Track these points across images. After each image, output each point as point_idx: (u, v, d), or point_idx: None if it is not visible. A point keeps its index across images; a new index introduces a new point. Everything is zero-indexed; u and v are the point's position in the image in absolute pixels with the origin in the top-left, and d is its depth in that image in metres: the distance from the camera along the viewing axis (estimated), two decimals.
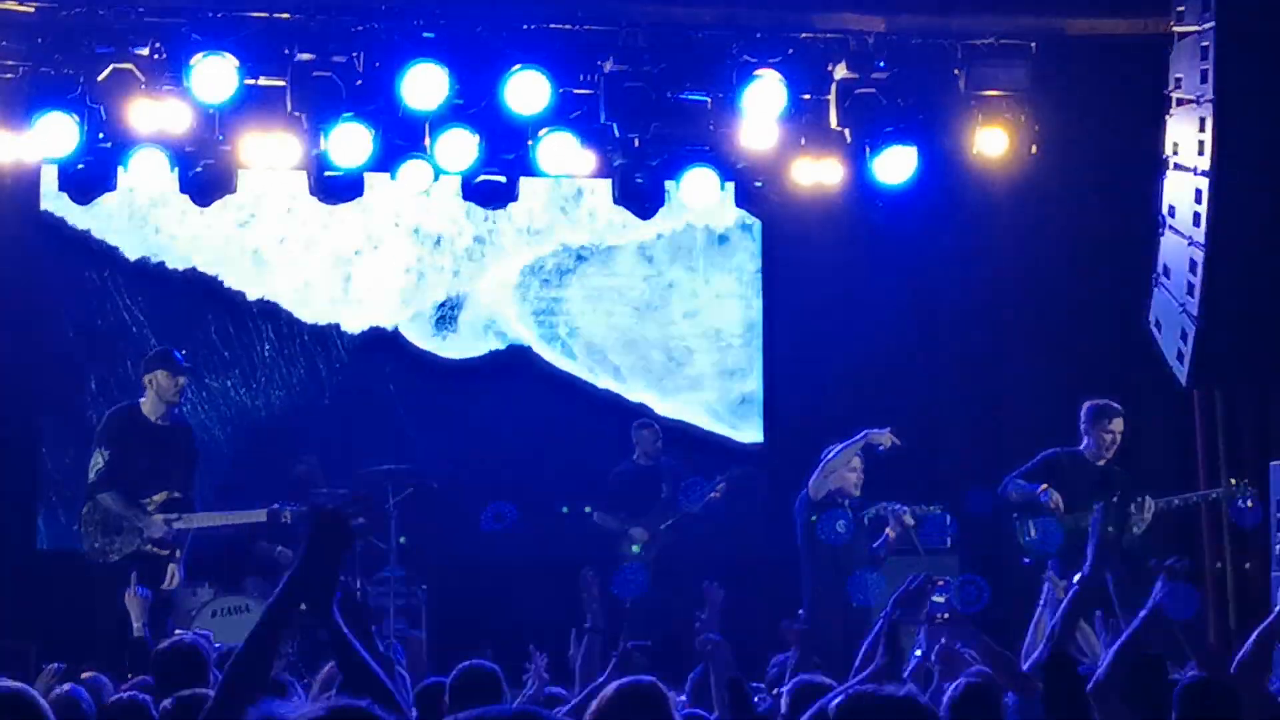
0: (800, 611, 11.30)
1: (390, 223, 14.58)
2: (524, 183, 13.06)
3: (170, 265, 14.26)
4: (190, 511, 10.98)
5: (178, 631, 8.83)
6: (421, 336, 14.57)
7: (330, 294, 14.53)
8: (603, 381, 14.88)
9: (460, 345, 14.71)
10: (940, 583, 7.40)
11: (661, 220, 14.16)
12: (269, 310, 14.43)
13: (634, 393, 14.88)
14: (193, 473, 11.23)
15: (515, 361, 14.81)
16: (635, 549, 13.25)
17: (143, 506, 10.82)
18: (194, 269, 14.30)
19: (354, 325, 14.56)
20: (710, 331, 15.04)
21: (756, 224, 14.85)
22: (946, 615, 7.31)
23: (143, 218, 14.19)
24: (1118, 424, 11.06)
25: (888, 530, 11.67)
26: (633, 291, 14.98)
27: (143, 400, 11.00)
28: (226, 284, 14.35)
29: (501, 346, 14.76)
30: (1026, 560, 11.09)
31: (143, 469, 10.85)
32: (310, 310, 14.49)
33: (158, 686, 6.98)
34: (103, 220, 14.08)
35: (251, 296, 14.39)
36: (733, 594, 9.05)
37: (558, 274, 14.90)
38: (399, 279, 14.64)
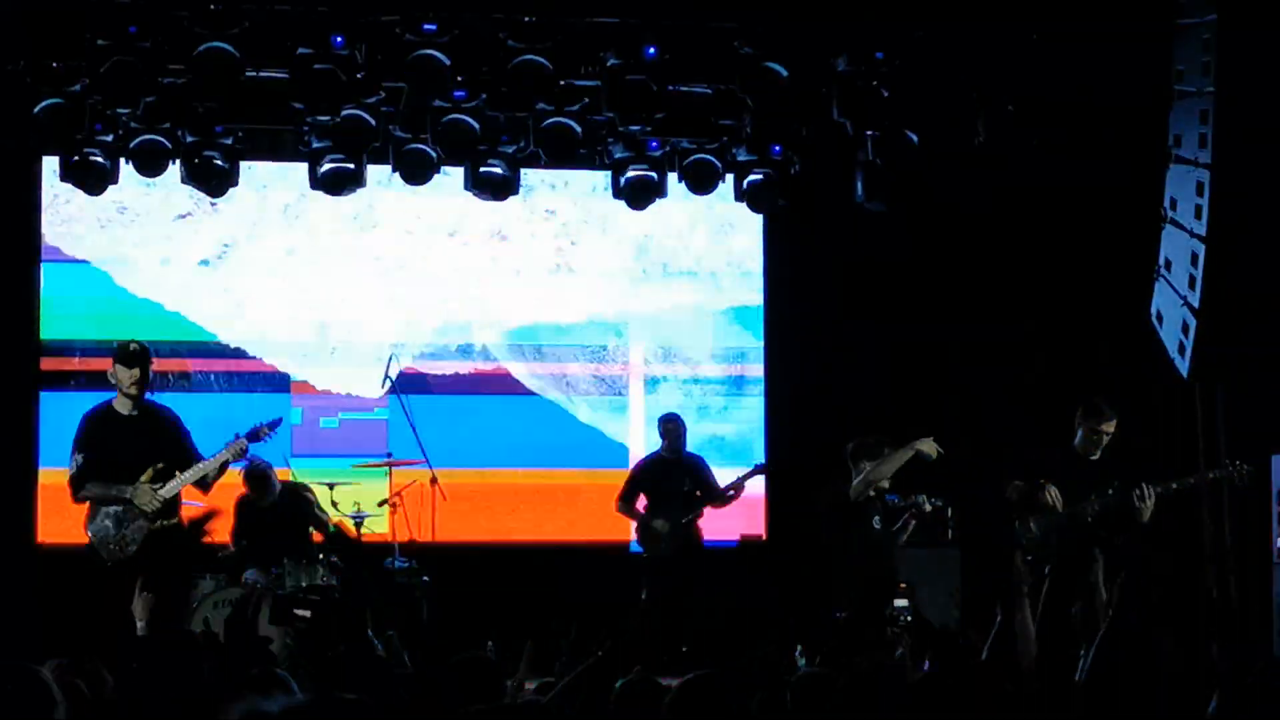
0: (838, 614, 11.29)
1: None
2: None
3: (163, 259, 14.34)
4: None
5: None
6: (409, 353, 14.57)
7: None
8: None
9: (443, 361, 14.77)
10: (903, 585, 7.51)
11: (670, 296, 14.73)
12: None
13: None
14: (183, 448, 11.09)
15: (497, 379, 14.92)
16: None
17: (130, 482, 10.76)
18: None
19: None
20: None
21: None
22: (909, 618, 7.37)
23: (138, 209, 14.24)
24: (1109, 426, 11.02)
25: (908, 516, 11.74)
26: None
27: (114, 398, 10.96)
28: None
29: (485, 365, 14.83)
30: (1029, 558, 11.08)
31: (124, 463, 10.77)
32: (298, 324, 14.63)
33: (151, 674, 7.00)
34: (104, 212, 14.14)
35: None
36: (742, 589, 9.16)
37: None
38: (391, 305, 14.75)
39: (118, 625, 10.17)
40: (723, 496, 13.47)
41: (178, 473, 10.75)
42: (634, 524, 13.61)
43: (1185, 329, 11.09)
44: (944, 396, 14.24)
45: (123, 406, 10.82)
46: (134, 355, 10.80)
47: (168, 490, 10.71)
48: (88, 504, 10.72)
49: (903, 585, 11.43)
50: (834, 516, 11.56)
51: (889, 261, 14.38)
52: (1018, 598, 9.63)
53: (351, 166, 12.72)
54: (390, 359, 13.45)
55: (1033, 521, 10.99)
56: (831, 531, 11.58)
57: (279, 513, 12.83)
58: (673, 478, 13.47)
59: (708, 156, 12.96)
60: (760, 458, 14.63)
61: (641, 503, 13.58)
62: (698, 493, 13.44)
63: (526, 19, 11.83)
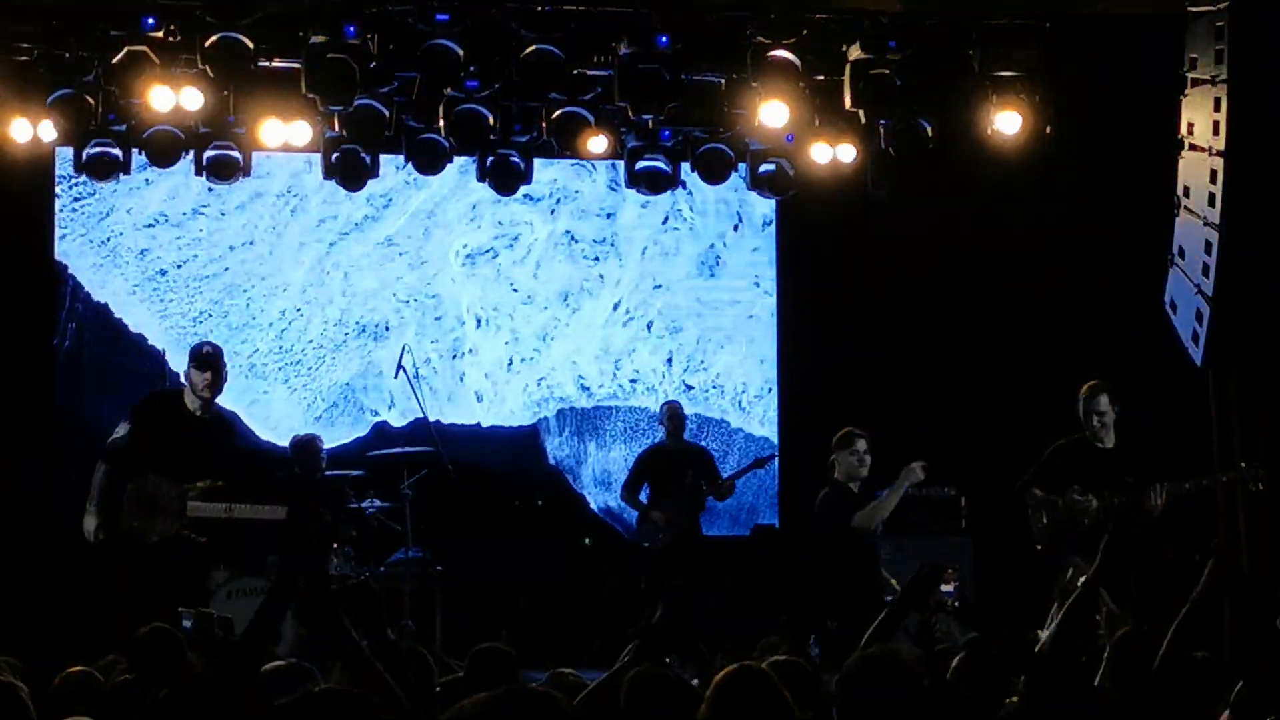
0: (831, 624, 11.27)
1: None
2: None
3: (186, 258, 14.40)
4: (236, 501, 10.98)
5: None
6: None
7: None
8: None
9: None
10: (952, 571, 7.44)
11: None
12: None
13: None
14: (238, 464, 11.21)
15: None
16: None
17: (183, 490, 10.81)
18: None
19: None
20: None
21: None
22: (957, 604, 7.32)
23: (155, 205, 14.30)
24: (1101, 401, 11.01)
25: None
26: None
27: (185, 391, 11.06)
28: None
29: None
30: (1039, 546, 11.08)
31: (179, 454, 10.83)
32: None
33: (135, 672, 7.01)
34: (115, 204, 14.19)
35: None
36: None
37: None
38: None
39: (126, 609, 10.18)
40: (720, 489, 13.48)
41: (231, 505, 10.80)
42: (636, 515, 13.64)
43: (1199, 317, 11.08)
44: (956, 380, 14.22)
45: (192, 404, 10.93)
46: (207, 359, 10.93)
47: (197, 512, 10.74)
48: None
49: (951, 570, 11.36)
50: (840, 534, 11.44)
51: (900, 248, 14.37)
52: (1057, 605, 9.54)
53: (364, 158, 12.73)
54: (403, 350, 13.47)
55: (1045, 513, 10.97)
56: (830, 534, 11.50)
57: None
58: (675, 468, 13.48)
59: (720, 145, 12.95)
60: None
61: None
62: (701, 483, 13.44)
63: (539, 8, 11.81)
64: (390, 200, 14.63)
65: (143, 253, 14.29)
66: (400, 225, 14.71)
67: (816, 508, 11.26)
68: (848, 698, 5.04)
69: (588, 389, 14.84)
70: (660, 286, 15.07)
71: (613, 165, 14.20)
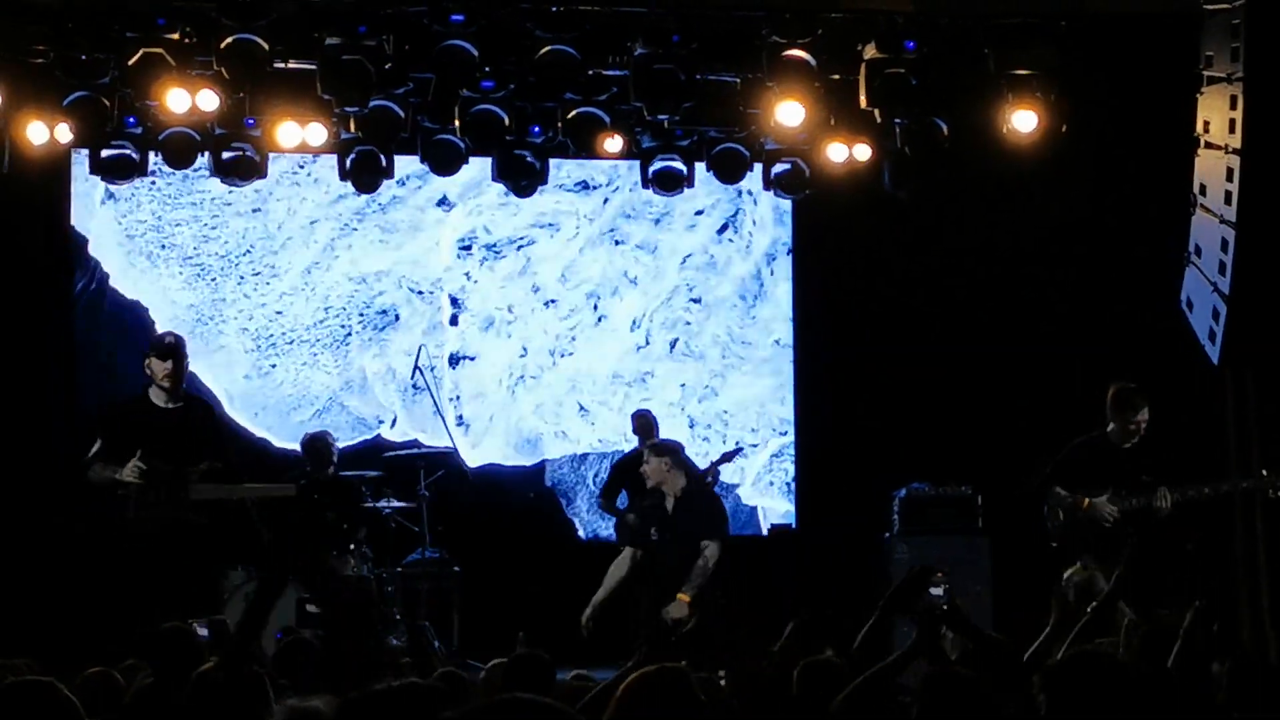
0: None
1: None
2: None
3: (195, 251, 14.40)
4: (235, 481, 10.98)
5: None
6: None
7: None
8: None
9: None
10: (940, 574, 7.38)
11: None
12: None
13: None
14: (218, 446, 11.16)
15: None
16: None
17: (184, 471, 10.81)
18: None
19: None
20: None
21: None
22: (945, 608, 7.26)
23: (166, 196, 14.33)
24: (1144, 413, 10.93)
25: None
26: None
27: (150, 388, 10.97)
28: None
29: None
30: (1054, 544, 11.06)
31: (155, 451, 10.77)
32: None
33: (155, 674, 7.02)
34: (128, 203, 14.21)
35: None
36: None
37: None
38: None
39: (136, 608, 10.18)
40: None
41: (227, 486, 10.81)
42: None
43: (1216, 315, 11.06)
44: (973, 379, 14.19)
45: (158, 398, 10.85)
46: (168, 348, 10.86)
47: (201, 495, 10.74)
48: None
49: (940, 574, 11.38)
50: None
51: (915, 247, 14.37)
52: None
53: (380, 159, 12.73)
54: (420, 349, 13.49)
55: (1062, 511, 10.95)
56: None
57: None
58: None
59: (735, 145, 12.94)
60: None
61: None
62: None
63: (554, 9, 11.80)
64: (424, 181, 14.49)
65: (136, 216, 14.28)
66: (424, 209, 14.64)
67: None
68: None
69: (591, 422, 14.72)
70: (697, 301, 14.93)
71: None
